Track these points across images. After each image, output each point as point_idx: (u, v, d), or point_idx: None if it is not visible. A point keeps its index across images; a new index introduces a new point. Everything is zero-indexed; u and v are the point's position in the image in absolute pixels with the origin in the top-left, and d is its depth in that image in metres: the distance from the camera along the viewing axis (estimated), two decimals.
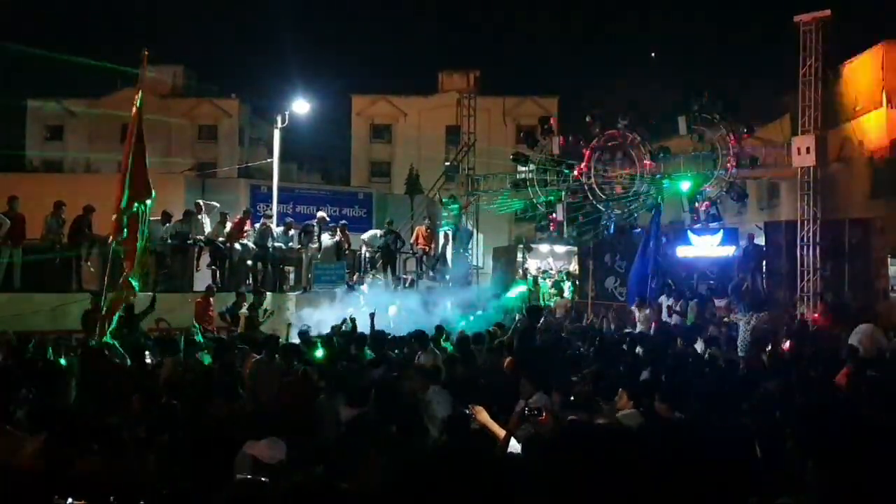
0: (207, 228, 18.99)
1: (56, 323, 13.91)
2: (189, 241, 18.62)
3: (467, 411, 6.05)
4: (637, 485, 3.39)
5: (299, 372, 9.05)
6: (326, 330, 14.10)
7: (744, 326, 14.29)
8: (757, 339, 13.30)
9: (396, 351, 11.48)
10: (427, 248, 22.35)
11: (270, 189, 23.16)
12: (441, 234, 23.70)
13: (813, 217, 19.14)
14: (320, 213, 21.04)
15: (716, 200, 21.14)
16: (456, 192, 25.86)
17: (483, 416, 5.91)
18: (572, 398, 6.69)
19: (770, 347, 12.21)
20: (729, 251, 22.08)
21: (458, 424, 5.72)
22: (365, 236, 22.02)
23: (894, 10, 30.46)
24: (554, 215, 23.75)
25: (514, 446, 5.49)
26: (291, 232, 20.17)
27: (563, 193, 23.56)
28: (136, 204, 10.95)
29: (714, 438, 4.74)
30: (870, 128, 22.37)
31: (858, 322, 12.67)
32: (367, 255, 21.55)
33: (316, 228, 20.10)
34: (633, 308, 17.78)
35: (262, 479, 4.56)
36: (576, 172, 23.00)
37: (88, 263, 17.09)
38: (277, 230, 20.06)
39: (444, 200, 25.91)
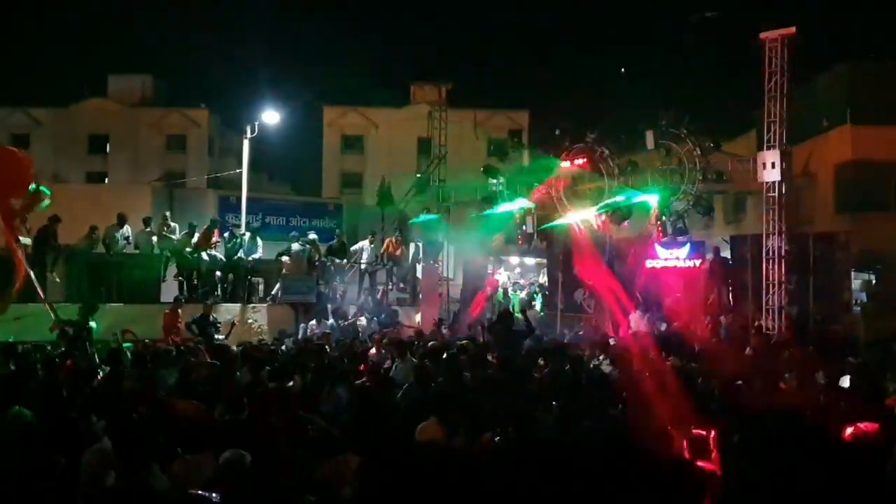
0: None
1: (21, 334, 13.73)
2: (154, 253, 18.55)
3: None
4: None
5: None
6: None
7: None
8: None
9: None
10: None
11: (240, 199, 23.04)
12: (412, 246, 23.67)
13: (778, 231, 19.36)
14: (312, 236, 21.05)
15: (683, 214, 21.29)
16: (429, 204, 25.78)
17: None
18: None
19: None
20: (695, 264, 22.27)
21: None
22: (356, 248, 22.03)
23: (859, 28, 31.08)
24: (525, 227, 23.78)
25: None
26: (258, 240, 20.13)
27: (533, 206, 23.62)
28: None
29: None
30: (834, 143, 22.75)
31: (822, 335, 12.80)
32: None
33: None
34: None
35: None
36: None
37: (54, 273, 16.91)
38: (245, 236, 20.05)
39: (418, 220, 25.43)
